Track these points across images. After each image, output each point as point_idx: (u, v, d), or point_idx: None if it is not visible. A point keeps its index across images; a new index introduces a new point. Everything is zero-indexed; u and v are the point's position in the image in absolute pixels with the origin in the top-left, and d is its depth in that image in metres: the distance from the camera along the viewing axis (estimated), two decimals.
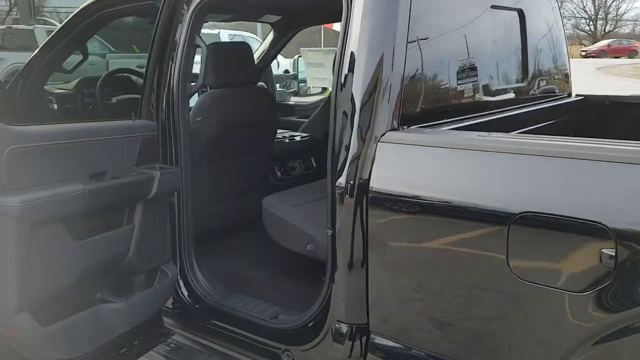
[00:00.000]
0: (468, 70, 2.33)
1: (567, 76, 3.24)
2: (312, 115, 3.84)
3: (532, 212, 1.56)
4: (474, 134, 1.82)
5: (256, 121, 3.17)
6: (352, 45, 1.97)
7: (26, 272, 1.89)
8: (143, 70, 2.67)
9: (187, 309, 2.64)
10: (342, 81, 1.98)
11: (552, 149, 1.62)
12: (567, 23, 47.92)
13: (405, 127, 1.96)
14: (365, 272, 1.95)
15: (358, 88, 1.95)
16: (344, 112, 1.96)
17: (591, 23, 55.51)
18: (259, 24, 13.26)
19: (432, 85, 2.18)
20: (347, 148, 1.95)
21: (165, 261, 2.58)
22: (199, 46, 2.64)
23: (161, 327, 2.65)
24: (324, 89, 5.33)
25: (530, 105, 2.73)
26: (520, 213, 1.57)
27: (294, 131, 3.89)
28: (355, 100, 1.95)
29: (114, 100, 3.46)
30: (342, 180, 1.96)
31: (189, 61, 2.58)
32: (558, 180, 1.59)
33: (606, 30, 54.64)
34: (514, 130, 2.35)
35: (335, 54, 2.05)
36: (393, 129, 1.93)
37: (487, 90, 2.49)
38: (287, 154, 3.55)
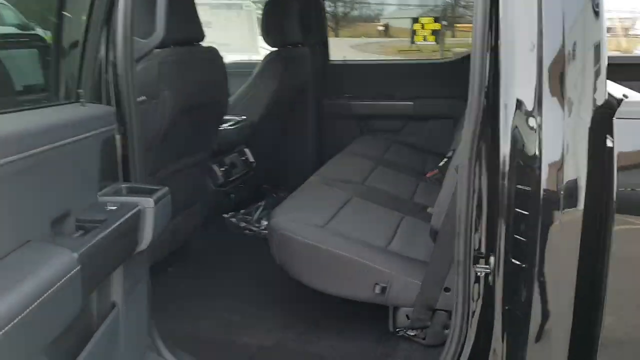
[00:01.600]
0: None
1: None
2: (237, 92, 2.77)
3: None
4: None
5: (209, 100, 2.08)
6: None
7: None
8: None
9: None
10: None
11: None
12: None
13: None
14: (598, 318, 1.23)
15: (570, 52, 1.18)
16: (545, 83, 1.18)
17: None
18: None
19: None
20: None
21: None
22: None
23: None
24: None
25: None
26: None
27: None
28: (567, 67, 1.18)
29: None
30: (556, 184, 1.18)
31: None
32: None
33: None
34: None
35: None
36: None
37: None
38: (223, 147, 2.48)
